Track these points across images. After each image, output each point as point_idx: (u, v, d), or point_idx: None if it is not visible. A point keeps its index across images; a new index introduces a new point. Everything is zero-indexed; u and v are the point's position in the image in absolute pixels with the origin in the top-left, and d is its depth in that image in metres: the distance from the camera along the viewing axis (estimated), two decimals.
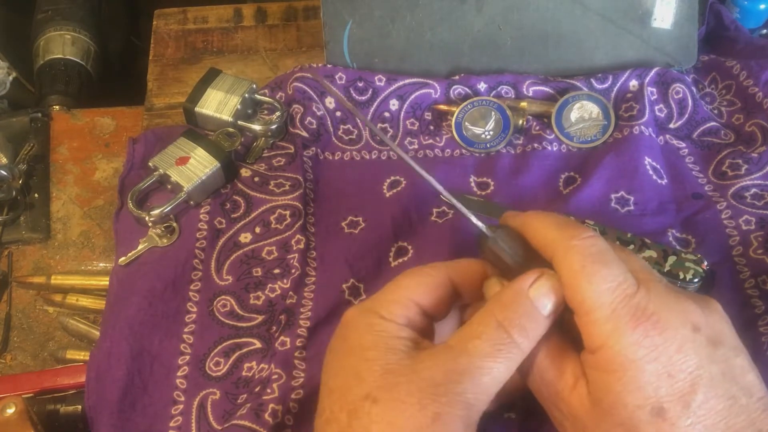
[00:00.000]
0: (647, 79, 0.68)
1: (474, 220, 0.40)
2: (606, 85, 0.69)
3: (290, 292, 0.56)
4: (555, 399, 0.37)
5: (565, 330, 0.38)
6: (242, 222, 0.61)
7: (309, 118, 0.67)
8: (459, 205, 0.41)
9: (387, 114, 0.69)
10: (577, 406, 0.35)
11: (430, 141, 0.68)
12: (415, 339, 0.38)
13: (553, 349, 0.37)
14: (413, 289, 0.39)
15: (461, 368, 0.35)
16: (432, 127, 0.69)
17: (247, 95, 0.67)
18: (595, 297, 0.34)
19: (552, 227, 0.37)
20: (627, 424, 0.33)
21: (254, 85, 0.68)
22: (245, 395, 0.52)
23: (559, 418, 0.37)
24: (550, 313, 0.36)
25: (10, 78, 0.82)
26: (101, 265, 0.62)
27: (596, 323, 0.34)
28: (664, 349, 0.33)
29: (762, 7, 0.74)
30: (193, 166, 0.61)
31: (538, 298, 0.36)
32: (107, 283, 0.58)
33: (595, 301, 0.34)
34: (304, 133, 0.66)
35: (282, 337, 0.54)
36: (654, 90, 0.68)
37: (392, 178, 0.65)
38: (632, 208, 0.62)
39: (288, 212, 0.61)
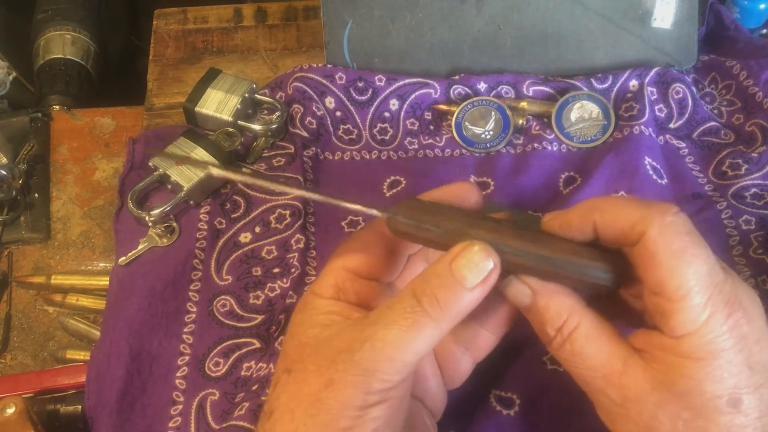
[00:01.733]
0: (647, 79, 0.68)
1: (361, 207, 0.37)
2: (606, 85, 0.69)
3: (290, 292, 0.56)
4: (602, 385, 0.35)
5: (603, 307, 0.37)
6: (242, 222, 0.61)
7: (309, 118, 0.67)
8: (345, 203, 0.37)
9: (387, 114, 0.69)
10: (632, 389, 0.34)
11: (430, 141, 0.68)
12: (345, 312, 0.38)
13: (593, 334, 0.35)
14: (342, 256, 0.39)
15: (364, 336, 0.34)
16: (432, 127, 0.69)
17: (247, 95, 0.67)
18: (693, 281, 0.32)
19: (636, 204, 0.34)
20: (699, 410, 0.32)
21: (254, 85, 0.68)
22: (243, 394, 0.52)
23: (606, 404, 0.35)
24: (474, 286, 0.34)
25: (10, 78, 0.82)
26: (101, 265, 0.62)
27: (690, 309, 0.32)
28: (748, 340, 0.32)
29: (762, 6, 0.74)
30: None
31: (459, 269, 0.34)
32: (107, 283, 0.58)
33: (693, 285, 0.32)
34: (304, 133, 0.66)
35: (282, 337, 0.54)
36: (654, 90, 0.68)
37: (392, 177, 0.65)
38: None
39: (288, 212, 0.61)
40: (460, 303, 0.34)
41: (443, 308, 0.34)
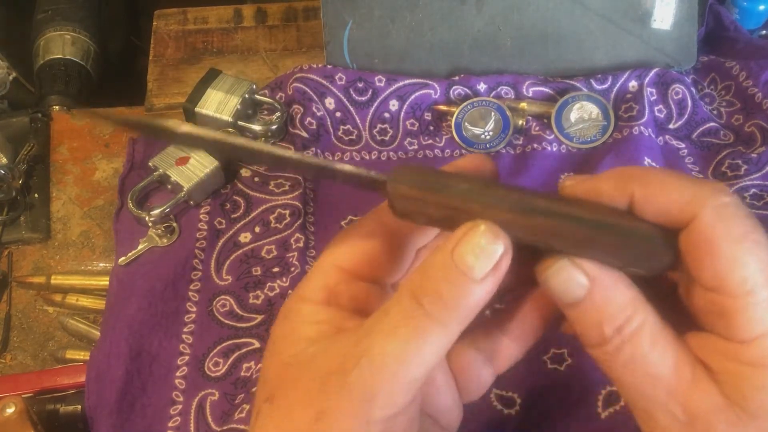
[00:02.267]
0: (647, 80, 0.68)
1: (354, 169, 0.30)
2: (606, 86, 0.69)
3: (290, 291, 0.56)
4: (665, 399, 0.28)
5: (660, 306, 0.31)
6: (242, 222, 0.61)
7: (309, 119, 0.67)
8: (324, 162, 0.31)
9: (387, 114, 0.69)
10: (701, 405, 0.27)
11: (430, 141, 0.68)
12: (336, 321, 0.31)
13: (658, 337, 0.28)
14: (335, 251, 0.33)
15: (359, 352, 0.28)
16: (432, 128, 0.69)
17: (247, 96, 0.67)
18: (760, 273, 0.27)
19: (684, 179, 0.29)
20: None
21: (254, 86, 0.68)
22: (243, 395, 0.52)
23: (665, 422, 0.28)
24: (484, 276, 0.28)
25: (10, 78, 0.82)
26: (101, 265, 0.62)
27: (759, 306, 0.27)
28: None
29: (761, 7, 0.74)
30: (193, 166, 0.61)
31: (463, 258, 0.28)
32: (107, 283, 0.58)
33: (760, 278, 0.27)
34: (304, 134, 0.66)
35: None
36: (653, 90, 0.69)
37: None
38: None
39: (288, 212, 0.61)
40: (469, 299, 0.28)
41: (449, 307, 0.28)
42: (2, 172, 0.63)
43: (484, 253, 0.28)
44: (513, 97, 0.69)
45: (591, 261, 0.28)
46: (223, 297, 0.57)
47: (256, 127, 0.66)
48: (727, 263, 0.27)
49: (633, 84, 0.69)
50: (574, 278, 0.28)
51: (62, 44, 0.91)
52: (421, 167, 0.30)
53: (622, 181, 0.29)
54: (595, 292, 0.28)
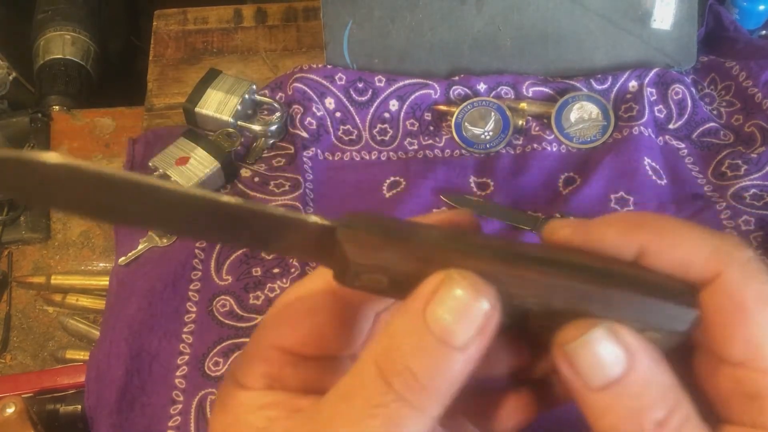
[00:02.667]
0: (647, 80, 0.68)
1: (288, 214, 0.23)
2: (605, 86, 0.69)
3: None
4: None
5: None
6: None
7: (309, 119, 0.67)
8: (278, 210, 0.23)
9: (387, 114, 0.69)
10: None
11: (430, 141, 0.68)
12: (286, 403, 0.26)
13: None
14: (274, 329, 0.27)
15: None
16: (432, 128, 0.69)
17: (247, 96, 0.67)
18: None
19: (701, 231, 0.24)
20: None
21: (254, 86, 0.68)
22: None
23: None
24: (466, 343, 0.22)
25: (10, 78, 0.82)
26: (101, 265, 0.62)
27: None
28: None
29: (761, 8, 0.74)
30: (193, 167, 0.61)
31: (438, 320, 0.22)
32: (107, 283, 0.58)
33: None
34: (304, 134, 0.66)
35: None
36: (653, 90, 0.69)
37: (392, 178, 0.65)
38: (632, 208, 0.62)
39: None
40: (450, 374, 0.22)
41: (427, 389, 0.22)
42: None
43: (465, 311, 0.22)
44: (513, 97, 0.69)
45: (625, 327, 0.22)
46: (223, 297, 0.57)
47: (256, 127, 0.66)
48: (762, 331, 0.22)
49: (633, 84, 0.69)
50: (610, 352, 0.22)
51: (62, 44, 0.91)
52: (378, 215, 0.24)
53: (630, 228, 0.24)
54: (636, 371, 0.22)
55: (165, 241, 0.60)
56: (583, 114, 0.68)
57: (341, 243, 0.23)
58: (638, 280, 0.23)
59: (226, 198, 0.22)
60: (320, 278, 0.27)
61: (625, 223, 0.25)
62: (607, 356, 0.22)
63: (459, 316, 0.22)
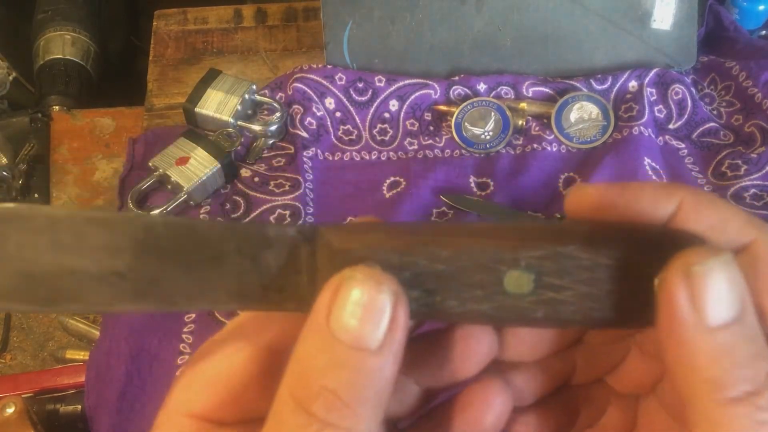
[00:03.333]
0: (647, 80, 0.68)
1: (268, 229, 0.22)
2: (605, 86, 0.69)
3: None
4: None
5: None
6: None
7: (309, 119, 0.67)
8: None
9: (387, 114, 0.69)
10: None
11: (430, 141, 0.68)
12: None
13: None
14: (183, 395, 0.24)
15: None
16: (432, 128, 0.69)
17: (246, 96, 0.67)
18: None
19: (731, 204, 0.23)
20: None
21: (254, 86, 0.68)
22: None
23: None
24: (381, 342, 0.20)
25: (10, 78, 0.82)
26: None
27: None
28: None
29: (761, 8, 0.74)
30: (193, 166, 0.61)
31: (344, 327, 0.20)
32: None
33: None
34: (304, 134, 0.66)
35: None
36: (653, 91, 0.69)
37: (392, 178, 0.65)
38: None
39: (287, 212, 0.61)
40: (373, 380, 0.20)
41: (351, 403, 0.20)
42: (2, 172, 0.63)
43: (370, 309, 0.20)
44: (513, 97, 0.69)
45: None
46: None
47: (256, 127, 0.66)
48: None
49: (633, 84, 0.69)
50: (739, 283, 0.20)
51: (62, 44, 0.91)
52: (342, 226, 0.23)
53: (669, 186, 0.23)
54: (749, 314, 0.20)
55: None
56: (583, 114, 0.68)
57: (325, 235, 0.22)
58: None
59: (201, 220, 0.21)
60: (234, 334, 0.24)
61: (662, 184, 0.23)
62: (736, 288, 0.20)
63: (365, 316, 0.20)
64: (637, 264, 0.21)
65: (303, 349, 0.20)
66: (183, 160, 0.62)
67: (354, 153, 0.68)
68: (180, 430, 0.23)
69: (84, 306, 0.21)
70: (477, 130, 0.67)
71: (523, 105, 0.68)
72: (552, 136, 0.67)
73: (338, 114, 0.68)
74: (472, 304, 0.21)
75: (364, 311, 0.20)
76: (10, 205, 0.20)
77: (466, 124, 0.67)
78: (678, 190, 0.22)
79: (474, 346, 0.25)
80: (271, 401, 0.22)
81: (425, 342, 0.25)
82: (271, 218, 0.61)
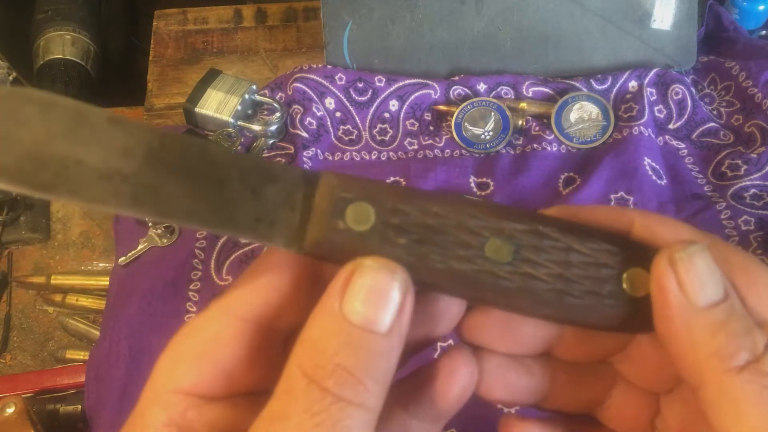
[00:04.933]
0: (647, 80, 0.68)
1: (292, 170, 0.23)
2: (605, 86, 0.69)
3: None
4: None
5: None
6: None
7: (309, 119, 0.67)
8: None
9: (387, 114, 0.69)
10: None
11: (430, 141, 0.68)
12: None
13: None
14: (171, 371, 0.25)
15: None
16: (432, 128, 0.69)
17: (246, 96, 0.67)
18: None
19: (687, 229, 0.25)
20: None
21: (254, 86, 0.68)
22: None
23: None
24: (391, 326, 0.22)
25: (10, 78, 0.82)
26: (101, 265, 0.62)
27: None
28: None
29: (761, 8, 0.74)
30: None
31: (358, 311, 0.21)
32: (107, 283, 0.58)
33: None
34: (304, 134, 0.66)
35: None
36: (653, 91, 0.69)
37: (392, 178, 0.65)
38: (632, 208, 0.62)
39: None
40: (382, 361, 0.22)
41: (364, 380, 0.21)
42: None
43: (382, 296, 0.22)
44: (513, 97, 0.69)
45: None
46: None
47: (256, 127, 0.66)
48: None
49: (633, 84, 0.69)
50: (716, 269, 0.23)
51: (62, 44, 0.91)
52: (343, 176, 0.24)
53: (622, 208, 0.26)
54: (733, 296, 0.22)
55: (165, 241, 0.60)
56: (583, 114, 0.68)
57: (328, 179, 0.23)
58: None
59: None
60: (220, 309, 0.25)
61: (615, 207, 0.26)
62: (715, 272, 0.22)
63: (377, 302, 0.22)
64: (607, 257, 0.23)
65: (315, 331, 0.22)
66: None
67: (354, 153, 0.68)
68: (169, 407, 0.24)
69: (79, 198, 0.21)
70: (477, 130, 0.67)
71: (523, 105, 0.68)
72: (552, 136, 0.67)
73: (338, 114, 0.68)
74: (453, 262, 0.23)
75: (377, 297, 0.21)
76: (37, 90, 0.21)
77: (466, 124, 0.67)
78: (630, 211, 0.25)
79: (447, 309, 0.26)
80: (259, 376, 0.24)
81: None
82: None
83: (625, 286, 0.23)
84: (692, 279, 0.22)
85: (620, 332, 0.24)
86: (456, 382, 0.26)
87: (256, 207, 0.23)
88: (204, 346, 0.24)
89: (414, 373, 0.26)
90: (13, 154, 0.20)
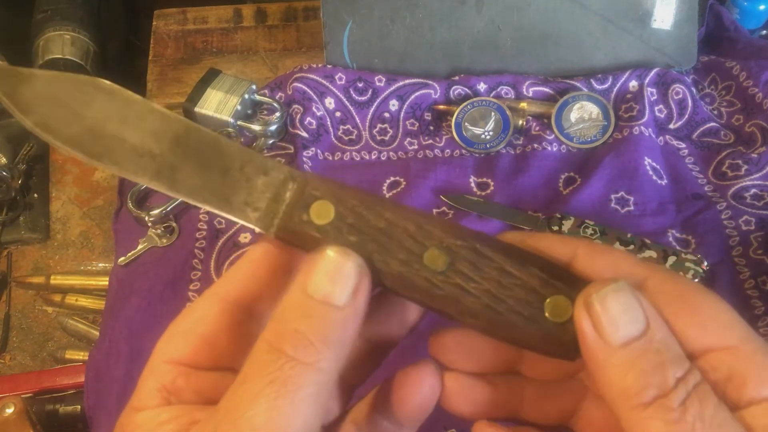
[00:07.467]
0: (647, 80, 0.68)
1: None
2: (606, 86, 0.69)
3: None
4: None
5: None
6: None
7: (309, 119, 0.67)
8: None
9: (387, 114, 0.69)
10: None
11: (430, 141, 0.68)
12: (185, 416, 0.26)
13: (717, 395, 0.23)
14: (164, 346, 0.27)
15: None
16: (432, 128, 0.69)
17: (246, 95, 0.67)
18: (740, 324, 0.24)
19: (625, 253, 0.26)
20: None
21: (254, 86, 0.68)
22: None
23: None
24: (346, 302, 0.24)
25: None
26: (100, 265, 0.62)
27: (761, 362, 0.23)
28: None
29: (761, 8, 0.74)
30: None
31: (318, 287, 0.24)
32: (107, 283, 0.58)
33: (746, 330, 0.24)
34: (304, 134, 0.66)
35: None
36: (654, 90, 0.68)
37: (392, 178, 0.65)
38: (632, 208, 0.62)
39: None
40: (336, 329, 0.24)
41: (316, 343, 0.24)
42: (2, 172, 0.63)
43: (339, 275, 0.25)
44: (513, 97, 0.69)
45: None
46: None
47: (256, 127, 0.66)
48: (716, 315, 0.24)
49: (633, 84, 0.69)
50: (633, 306, 0.24)
51: (62, 44, 0.91)
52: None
53: (567, 238, 0.28)
54: (653, 330, 0.23)
55: (165, 241, 0.60)
56: (583, 114, 0.68)
57: (305, 179, 0.27)
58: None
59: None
60: (208, 293, 0.28)
61: (560, 237, 0.28)
62: (631, 310, 0.23)
63: (334, 279, 0.25)
64: (536, 282, 0.25)
65: (282, 308, 0.25)
66: None
67: (354, 153, 0.68)
68: (162, 375, 0.27)
69: (118, 168, 0.27)
70: (477, 130, 0.67)
71: (524, 105, 0.68)
72: (552, 136, 0.67)
73: (338, 114, 0.68)
74: (393, 263, 0.26)
75: (335, 276, 0.25)
76: (103, 80, 0.28)
77: (466, 124, 0.67)
78: (574, 241, 0.27)
79: (402, 309, 0.29)
80: (239, 351, 0.27)
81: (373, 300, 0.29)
82: None
83: (546, 312, 0.25)
84: (606, 320, 0.23)
85: (547, 356, 0.26)
86: (417, 393, 0.28)
87: (247, 193, 0.27)
88: (192, 322, 0.28)
89: (389, 378, 0.28)
90: (79, 127, 0.27)
